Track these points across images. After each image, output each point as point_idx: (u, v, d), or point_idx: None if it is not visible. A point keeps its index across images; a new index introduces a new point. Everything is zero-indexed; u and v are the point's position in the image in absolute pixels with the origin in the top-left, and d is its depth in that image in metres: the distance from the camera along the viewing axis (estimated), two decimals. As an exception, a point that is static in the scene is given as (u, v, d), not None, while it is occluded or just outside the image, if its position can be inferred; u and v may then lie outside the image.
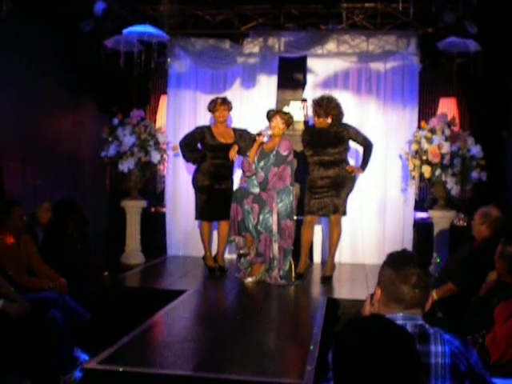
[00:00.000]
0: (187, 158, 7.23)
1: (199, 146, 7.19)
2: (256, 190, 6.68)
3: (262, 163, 6.70)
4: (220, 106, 7.10)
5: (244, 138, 7.09)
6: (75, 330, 4.85)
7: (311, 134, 6.94)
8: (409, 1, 6.72)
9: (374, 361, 1.64)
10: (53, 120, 7.39)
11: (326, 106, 6.71)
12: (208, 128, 7.19)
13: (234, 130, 7.28)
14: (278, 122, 6.68)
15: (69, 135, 7.74)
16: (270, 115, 6.77)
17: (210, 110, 7.24)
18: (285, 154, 6.65)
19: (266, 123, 6.90)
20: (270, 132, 6.71)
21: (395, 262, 2.33)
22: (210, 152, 7.07)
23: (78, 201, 6.32)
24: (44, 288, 5.02)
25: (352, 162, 7.33)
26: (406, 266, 2.29)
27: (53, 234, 5.83)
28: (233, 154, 6.89)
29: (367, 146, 6.93)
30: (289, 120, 6.75)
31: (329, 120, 6.73)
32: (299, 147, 7.14)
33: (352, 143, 7.03)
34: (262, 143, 6.70)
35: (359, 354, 1.66)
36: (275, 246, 6.52)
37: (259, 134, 6.68)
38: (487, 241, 4.83)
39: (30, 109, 6.78)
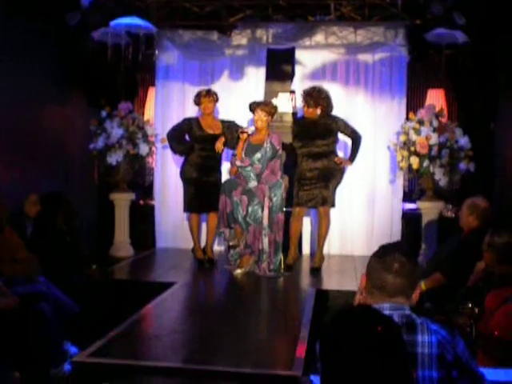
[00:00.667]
0: (175, 150, 7.22)
1: (187, 137, 7.17)
2: (253, 184, 6.63)
3: (258, 155, 6.63)
4: (204, 97, 7.05)
5: (231, 130, 7.03)
6: (64, 323, 4.84)
7: (300, 125, 6.94)
8: (397, -8, 6.72)
9: (360, 351, 1.65)
10: (41, 112, 7.33)
11: (317, 96, 6.71)
12: (196, 119, 7.17)
13: (222, 121, 7.25)
14: (260, 114, 6.64)
15: (57, 128, 7.68)
16: (252, 108, 6.75)
17: (195, 103, 7.21)
18: (278, 147, 6.65)
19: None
20: (252, 128, 6.69)
21: (381, 251, 2.34)
22: (197, 143, 7.04)
23: (67, 193, 6.28)
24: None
25: (341, 153, 7.33)
26: (389, 253, 2.30)
27: (41, 226, 5.80)
28: (219, 145, 6.88)
29: (356, 139, 6.94)
30: (271, 110, 6.69)
31: (318, 111, 6.74)
32: (288, 139, 7.14)
33: (341, 135, 7.05)
34: (248, 137, 6.67)
35: (345, 344, 1.67)
36: (265, 240, 6.52)
37: (242, 132, 6.65)
38: (475, 231, 4.87)
39: (18, 101, 6.72)
